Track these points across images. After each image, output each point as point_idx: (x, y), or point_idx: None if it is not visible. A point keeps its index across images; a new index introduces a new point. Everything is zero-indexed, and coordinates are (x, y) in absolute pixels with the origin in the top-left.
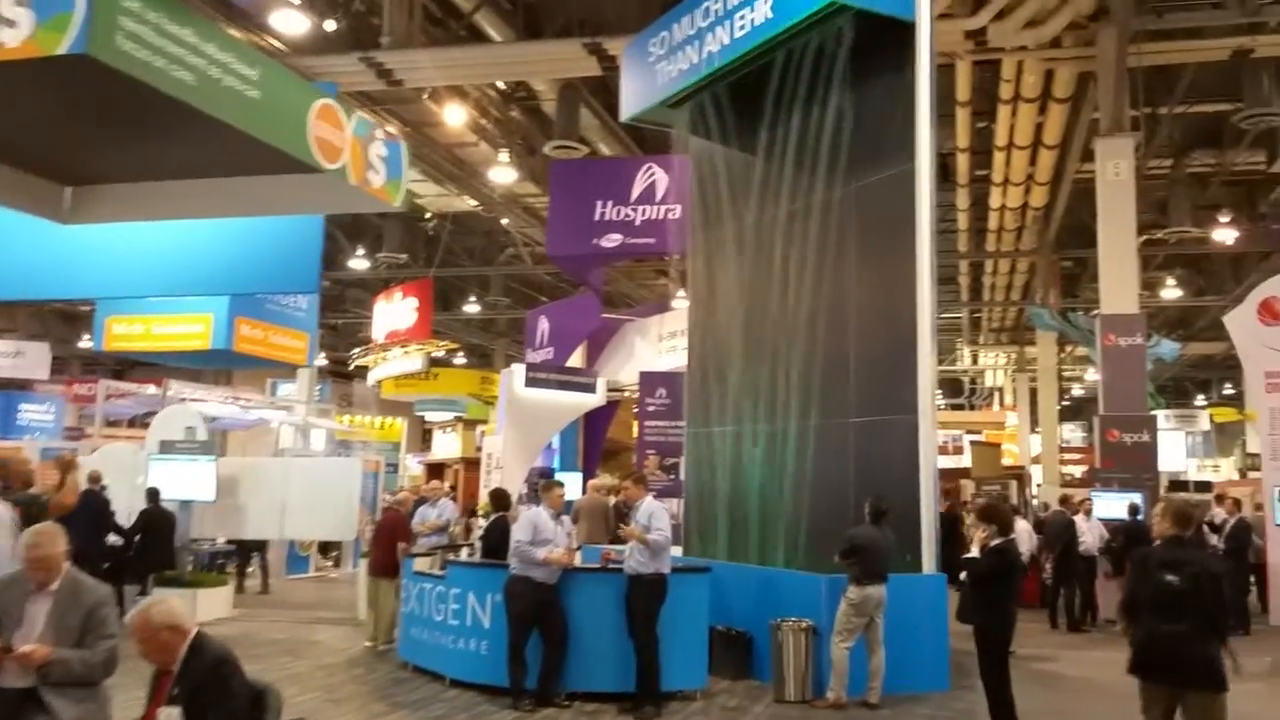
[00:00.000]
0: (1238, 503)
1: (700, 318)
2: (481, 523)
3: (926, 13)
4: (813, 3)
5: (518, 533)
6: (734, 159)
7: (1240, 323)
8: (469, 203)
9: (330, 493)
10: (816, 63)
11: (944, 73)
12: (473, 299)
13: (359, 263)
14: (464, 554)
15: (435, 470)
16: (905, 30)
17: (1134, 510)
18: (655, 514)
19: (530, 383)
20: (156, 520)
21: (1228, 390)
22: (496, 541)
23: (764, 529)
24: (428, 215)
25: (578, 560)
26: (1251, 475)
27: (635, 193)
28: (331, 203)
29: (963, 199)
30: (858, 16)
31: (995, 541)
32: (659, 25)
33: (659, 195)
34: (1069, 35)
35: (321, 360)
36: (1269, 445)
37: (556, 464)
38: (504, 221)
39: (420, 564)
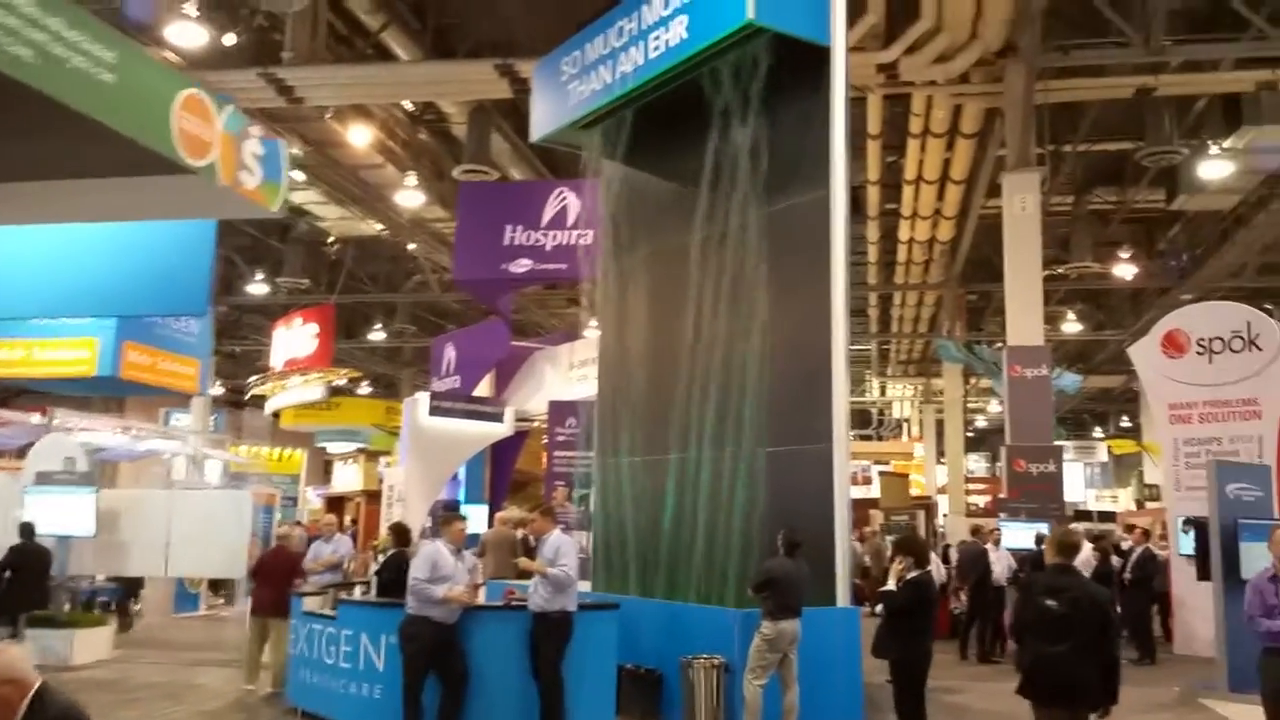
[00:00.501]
0: (1146, 533)
1: (610, 344)
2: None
3: (841, 38)
4: (727, 24)
5: (415, 569)
6: (646, 183)
7: (1144, 355)
8: (374, 227)
9: (219, 527)
10: (731, 86)
11: (856, 105)
12: (378, 326)
13: (258, 287)
14: (358, 592)
15: (335, 503)
16: (820, 55)
17: (1041, 540)
18: (562, 548)
19: (435, 412)
20: (29, 556)
21: (1125, 423)
22: (393, 578)
23: (674, 562)
24: (330, 239)
25: (481, 597)
26: (1149, 505)
27: (546, 217)
28: (198, 206)
29: (873, 231)
30: (773, 40)
31: (912, 574)
32: (571, 44)
33: (570, 220)
34: (977, 71)
35: (218, 389)
36: (1172, 476)
37: (462, 496)
38: (411, 247)
39: (310, 603)
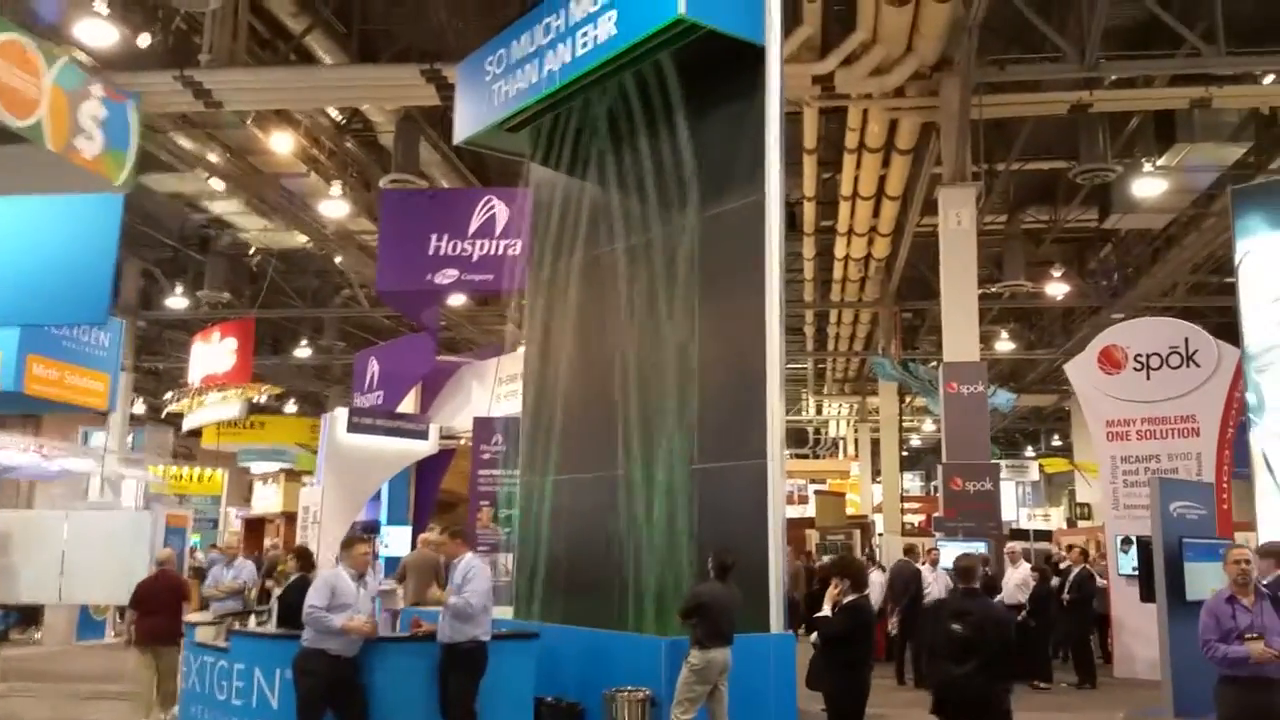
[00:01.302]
0: (1084, 552)
1: (536, 357)
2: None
3: (777, 37)
4: (657, 19)
5: (312, 597)
6: (575, 188)
7: (1081, 371)
8: (298, 238)
9: (118, 551)
10: (663, 87)
11: (792, 120)
12: (305, 343)
13: (178, 301)
14: (252, 622)
15: (255, 525)
16: (755, 56)
17: (984, 561)
18: (471, 573)
19: (354, 428)
20: None
21: (1056, 442)
22: (295, 606)
23: (599, 587)
24: (251, 250)
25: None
26: (1081, 524)
27: (473, 226)
28: (22, 176)
29: (809, 248)
30: (706, 40)
31: (848, 598)
32: (497, 42)
33: (498, 229)
34: (913, 85)
35: (139, 407)
36: (1110, 494)
37: (384, 517)
38: (338, 260)
39: (203, 633)
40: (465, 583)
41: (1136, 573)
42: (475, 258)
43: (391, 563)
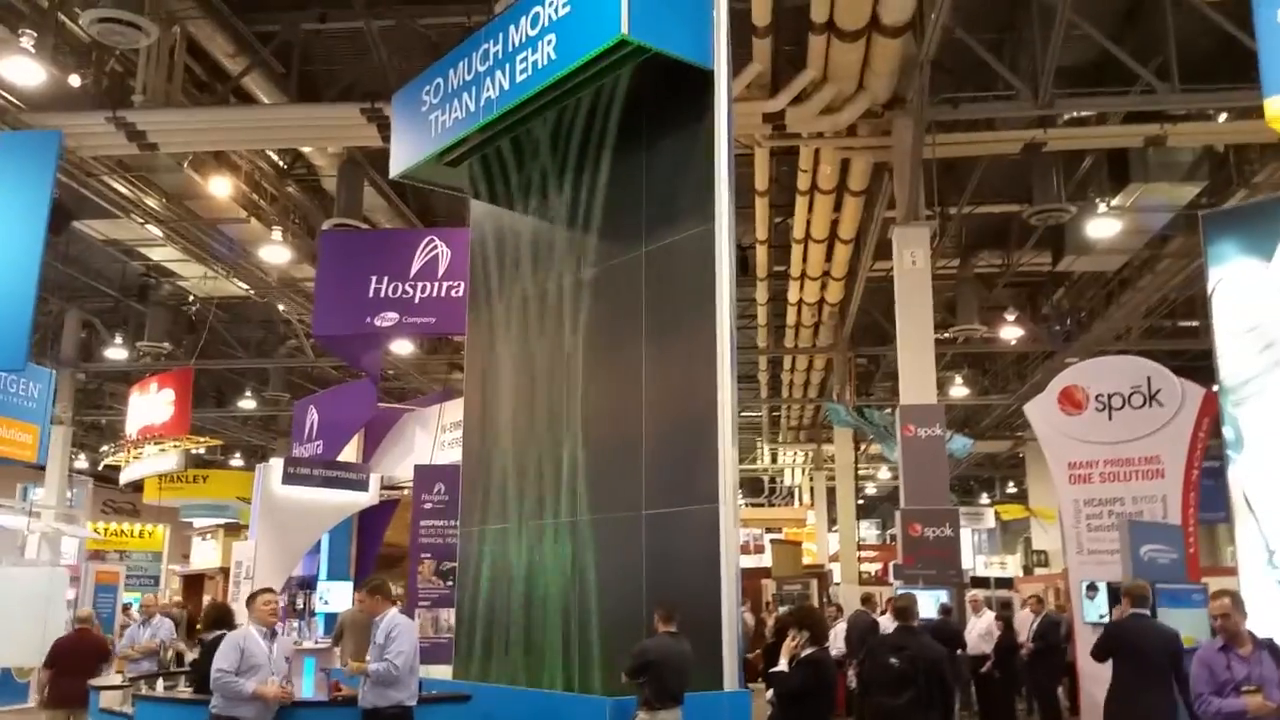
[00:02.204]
0: (1040, 599)
1: (476, 400)
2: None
3: (725, 60)
4: (599, 40)
5: (219, 660)
6: (516, 223)
7: (1041, 412)
8: (239, 286)
9: (29, 608)
10: (605, 115)
11: (743, 161)
12: (249, 394)
13: (118, 352)
14: (160, 685)
15: (194, 582)
16: (703, 81)
17: (945, 610)
18: (395, 632)
19: (289, 479)
20: None
21: (1010, 489)
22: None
23: (543, 643)
24: (190, 299)
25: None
26: (1039, 571)
27: (415, 268)
28: None
29: (761, 293)
30: (651, 63)
31: (807, 651)
32: (433, 71)
33: (441, 271)
34: (865, 124)
35: (81, 462)
36: (1073, 538)
37: (323, 572)
38: (281, 308)
39: (107, 699)
40: (389, 642)
41: (1103, 619)
42: (417, 300)
43: (332, 620)
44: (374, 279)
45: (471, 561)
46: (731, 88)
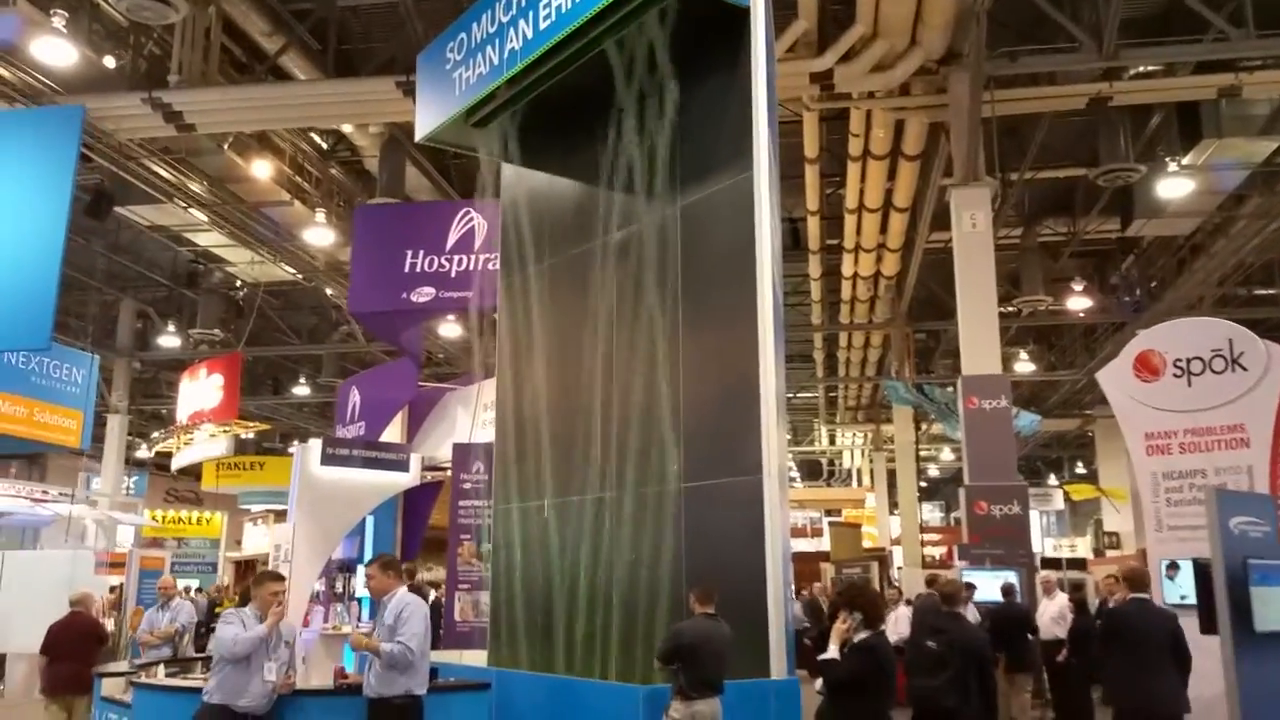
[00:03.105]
0: (1118, 580)
1: (508, 372)
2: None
3: None
4: None
5: (221, 632)
6: (546, 186)
7: (1116, 380)
8: (287, 270)
9: (51, 592)
10: (634, 64)
11: (790, 130)
12: (302, 381)
13: (171, 340)
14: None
15: (245, 568)
16: (738, 19)
17: (1009, 591)
18: (406, 613)
19: (328, 460)
20: None
21: (1079, 469)
22: None
23: (575, 627)
24: (238, 283)
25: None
26: (1110, 554)
27: (451, 241)
28: None
29: (815, 268)
30: (682, 4)
31: (860, 635)
32: (457, 27)
33: (478, 243)
34: (919, 82)
35: (144, 452)
36: (1152, 514)
37: (368, 555)
38: (329, 292)
39: (109, 686)
40: (400, 624)
41: (1185, 601)
42: (454, 274)
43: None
44: (409, 253)
45: (503, 541)
46: (771, 22)
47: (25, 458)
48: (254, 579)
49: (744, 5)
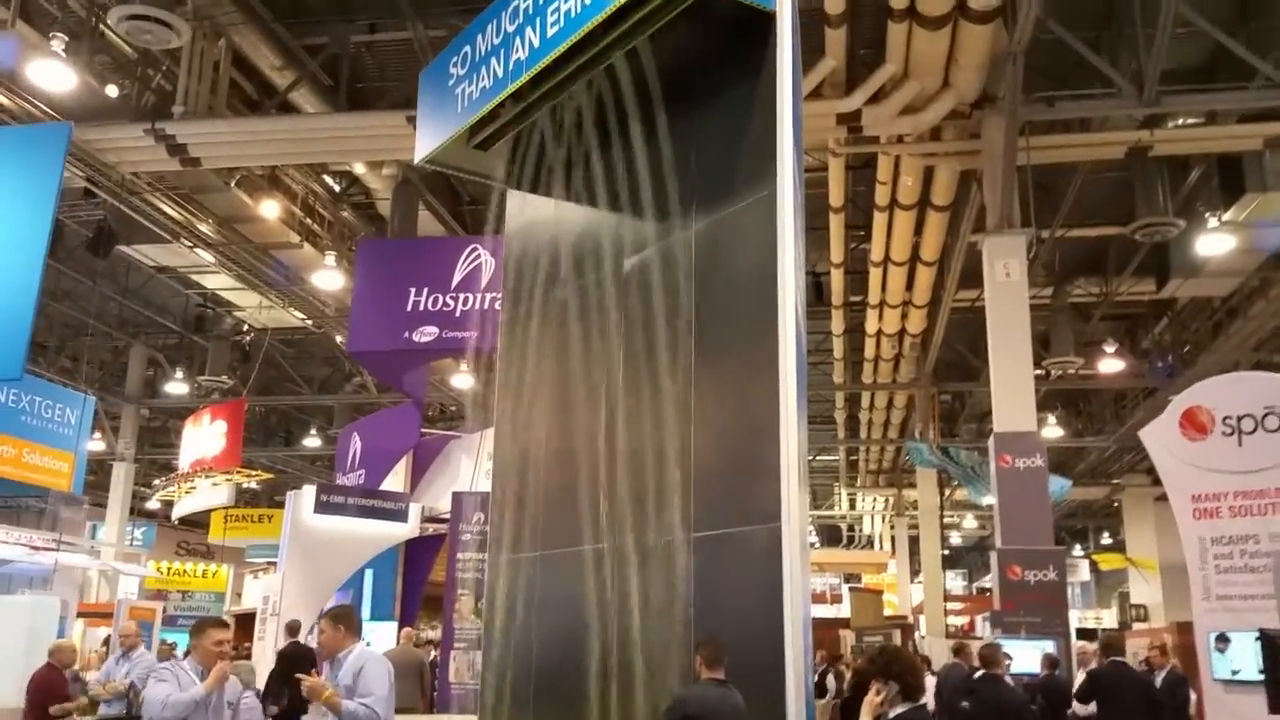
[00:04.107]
0: (1164, 651)
1: (507, 412)
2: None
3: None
4: None
5: (152, 691)
6: (552, 212)
7: (1159, 438)
8: (296, 315)
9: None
10: (647, 77)
11: (815, 182)
12: (313, 432)
13: (178, 387)
14: None
15: (244, 621)
16: (761, 27)
17: (1052, 663)
18: (367, 670)
19: (321, 507)
20: None
21: (1105, 539)
22: None
23: (574, 691)
24: (245, 328)
25: None
26: (1138, 627)
27: (456, 279)
28: None
29: (837, 323)
30: (700, 9)
31: (898, 710)
32: (461, 40)
33: (484, 282)
34: (950, 126)
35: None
36: (1199, 582)
37: (367, 611)
38: (339, 340)
39: None
40: (359, 683)
41: (1237, 676)
42: (458, 312)
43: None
44: (413, 290)
45: (498, 595)
46: (797, 26)
47: (36, 511)
48: (194, 627)
49: (769, 8)
